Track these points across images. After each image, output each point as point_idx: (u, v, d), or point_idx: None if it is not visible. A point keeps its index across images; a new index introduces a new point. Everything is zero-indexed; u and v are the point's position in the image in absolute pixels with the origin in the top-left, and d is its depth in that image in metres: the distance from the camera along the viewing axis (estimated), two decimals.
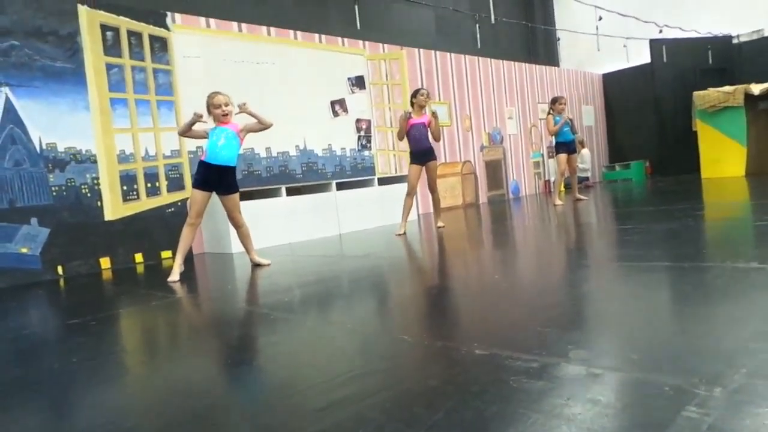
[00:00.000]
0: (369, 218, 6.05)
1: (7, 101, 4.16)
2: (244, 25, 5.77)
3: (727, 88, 7.84)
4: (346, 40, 6.75)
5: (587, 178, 9.86)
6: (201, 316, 2.60)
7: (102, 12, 4.67)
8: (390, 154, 7.22)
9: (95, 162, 4.61)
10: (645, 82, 10.11)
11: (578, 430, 0.99)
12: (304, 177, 6.12)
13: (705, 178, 8.05)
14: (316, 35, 6.46)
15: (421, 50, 7.77)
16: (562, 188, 7.55)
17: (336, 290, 2.75)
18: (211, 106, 3.55)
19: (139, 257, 4.82)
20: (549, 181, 9.86)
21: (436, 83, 7.91)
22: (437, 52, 8.02)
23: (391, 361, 1.53)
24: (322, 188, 5.84)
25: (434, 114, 4.93)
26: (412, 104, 4.98)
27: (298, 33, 6.26)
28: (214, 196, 3.67)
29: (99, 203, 4.62)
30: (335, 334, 1.93)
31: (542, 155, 9.86)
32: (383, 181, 6.43)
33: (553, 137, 6.60)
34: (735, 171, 7.81)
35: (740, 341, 1.35)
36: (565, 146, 6.45)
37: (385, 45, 7.27)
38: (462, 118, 8.32)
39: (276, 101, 5.86)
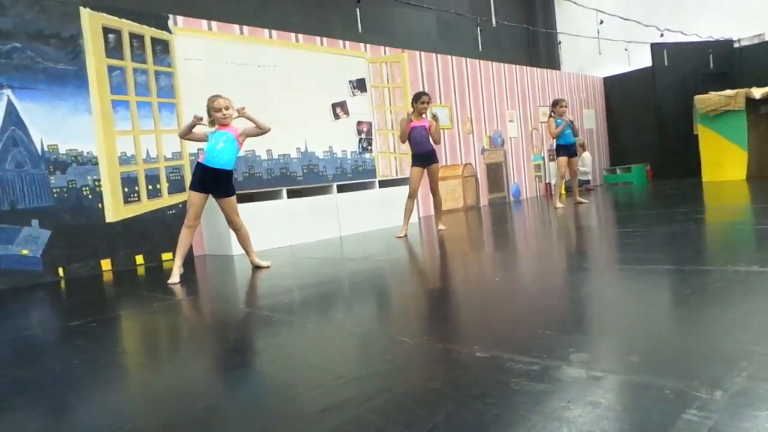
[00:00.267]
0: (370, 221, 6.05)
1: (9, 103, 4.17)
2: (245, 28, 5.79)
3: (728, 92, 7.85)
4: (347, 42, 6.76)
5: (588, 182, 9.86)
6: (201, 318, 2.60)
7: (104, 14, 4.69)
8: (391, 156, 7.23)
9: (96, 164, 4.62)
10: (646, 86, 10.11)
11: None
12: (304, 179, 6.13)
13: (706, 181, 8.05)
14: (318, 38, 6.47)
15: (423, 53, 7.78)
16: (563, 191, 7.55)
17: (336, 292, 2.75)
18: (211, 110, 3.56)
19: (139, 259, 4.82)
20: (550, 184, 9.86)
21: (438, 86, 7.92)
22: (439, 55, 8.03)
23: (391, 363, 1.53)
24: (322, 190, 5.84)
25: (434, 117, 4.94)
26: (413, 108, 4.99)
27: (300, 35, 6.27)
28: (212, 198, 3.68)
29: (100, 205, 4.62)
30: (336, 336, 1.93)
31: (543, 158, 9.86)
32: (384, 184, 6.43)
33: (554, 140, 6.60)
34: (736, 175, 7.81)
35: (741, 344, 1.35)
36: (566, 149, 6.45)
37: (387, 48, 7.28)
38: (463, 120, 8.33)
39: (277, 104, 5.87)
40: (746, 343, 1.35)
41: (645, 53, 9.82)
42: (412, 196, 5.05)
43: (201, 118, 3.52)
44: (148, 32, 4.96)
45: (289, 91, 6.02)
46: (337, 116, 6.55)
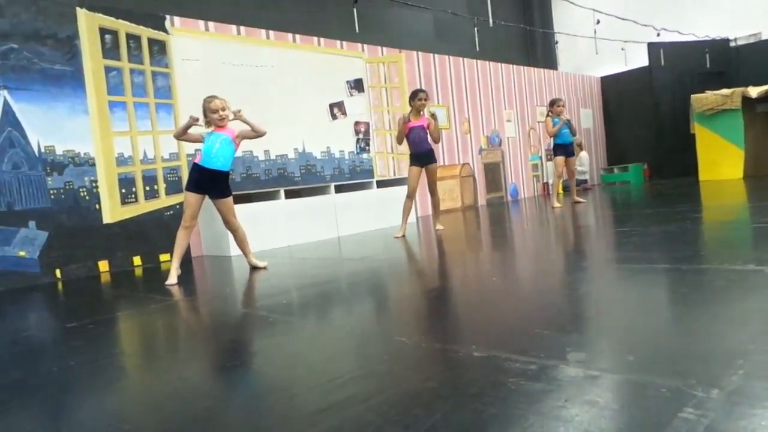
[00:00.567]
0: (368, 221, 6.05)
1: (6, 104, 4.16)
2: (242, 28, 5.78)
3: (725, 91, 7.87)
4: (344, 43, 6.76)
5: (586, 181, 9.88)
6: (199, 319, 2.60)
7: (101, 15, 4.68)
8: (389, 156, 7.23)
9: (93, 165, 4.61)
10: (643, 85, 10.14)
11: (576, 431, 1.00)
12: (302, 180, 6.12)
13: (703, 180, 8.07)
14: (315, 38, 6.47)
15: (420, 53, 7.78)
16: (561, 191, 7.56)
17: (334, 293, 2.75)
18: (207, 111, 3.55)
19: (137, 260, 4.82)
20: (547, 183, 9.88)
21: (435, 86, 7.93)
22: (436, 56, 8.03)
23: (389, 363, 1.53)
24: (320, 191, 5.84)
25: (433, 115, 4.93)
26: (411, 106, 4.99)
27: (297, 36, 6.27)
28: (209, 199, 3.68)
29: (97, 206, 4.61)
30: (334, 336, 1.93)
31: (541, 158, 9.87)
32: (382, 184, 6.43)
33: (552, 139, 6.61)
34: (733, 173, 7.83)
35: (738, 343, 1.35)
36: (563, 149, 6.46)
37: (384, 48, 7.28)
38: (461, 121, 8.33)
39: (274, 104, 5.87)
40: (743, 341, 1.36)
41: (642, 53, 9.85)
42: (410, 196, 5.05)
43: (197, 119, 3.51)
44: (145, 33, 4.96)
45: (287, 91, 6.01)
46: (334, 116, 6.55)
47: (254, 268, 3.78)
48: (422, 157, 4.97)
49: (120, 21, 4.79)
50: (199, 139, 3.61)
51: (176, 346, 2.13)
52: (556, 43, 11.58)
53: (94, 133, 4.63)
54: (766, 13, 9.38)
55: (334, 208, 5.79)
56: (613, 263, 2.74)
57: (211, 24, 5.53)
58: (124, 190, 4.78)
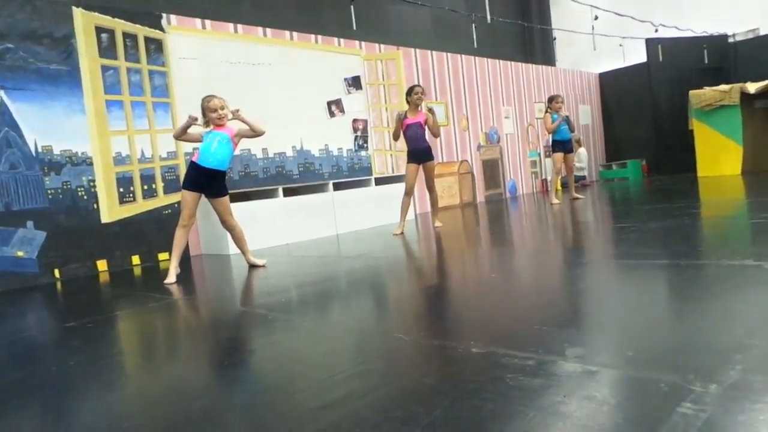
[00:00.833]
0: (366, 218, 6.05)
1: (2, 104, 4.15)
2: (239, 26, 5.77)
3: (723, 87, 7.87)
4: (342, 40, 6.75)
5: (584, 177, 9.88)
6: (198, 317, 2.60)
7: (97, 14, 4.67)
8: (387, 154, 7.22)
9: (91, 164, 4.60)
10: (641, 82, 10.13)
11: (574, 426, 1.00)
12: (300, 178, 6.12)
13: (701, 176, 8.08)
14: (312, 36, 6.45)
15: (418, 50, 7.77)
16: (559, 187, 7.57)
17: (333, 290, 2.75)
18: (206, 110, 3.54)
19: (136, 259, 4.81)
20: (546, 180, 9.88)
21: (433, 83, 7.92)
22: (434, 52, 8.02)
23: (388, 359, 1.53)
24: (319, 189, 5.84)
25: (431, 110, 4.91)
26: (408, 102, 4.98)
27: (294, 33, 6.26)
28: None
29: (95, 206, 4.61)
30: (332, 333, 1.93)
31: (539, 154, 9.87)
32: (380, 181, 6.43)
33: (550, 135, 6.61)
34: (731, 169, 7.84)
35: (735, 338, 1.35)
36: (562, 145, 6.46)
37: (382, 45, 7.27)
38: (459, 117, 8.33)
39: (272, 102, 5.86)
40: (741, 336, 1.36)
41: (640, 49, 9.84)
42: (408, 193, 5.05)
43: (196, 119, 3.51)
44: (142, 31, 4.94)
45: (284, 89, 6.00)
46: (332, 114, 6.54)
47: (253, 267, 3.78)
48: (419, 154, 4.97)
49: (116, 20, 4.78)
50: (198, 139, 3.60)
51: (175, 345, 2.13)
52: (554, 39, 11.57)
53: (91, 133, 4.61)
54: (764, 9, 9.38)
55: (332, 206, 5.79)
56: (611, 259, 2.74)
57: (207, 22, 5.52)
58: (122, 190, 4.77)
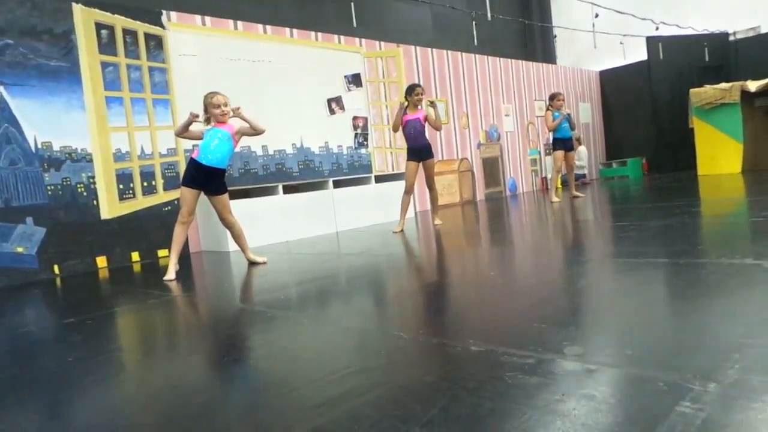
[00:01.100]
0: (366, 216, 6.05)
1: (2, 100, 4.14)
2: (239, 23, 5.76)
3: (724, 85, 7.86)
4: (342, 37, 6.74)
5: (584, 176, 9.87)
6: (197, 314, 2.60)
7: (96, 10, 4.65)
8: (387, 151, 7.22)
9: (91, 161, 4.60)
10: (642, 80, 10.12)
11: (573, 425, 1.00)
12: (300, 175, 6.11)
13: (701, 175, 8.07)
14: (312, 33, 6.44)
15: (418, 48, 7.76)
16: (559, 185, 7.56)
17: (332, 288, 2.75)
18: (209, 106, 3.53)
19: (135, 256, 4.81)
20: (546, 178, 9.87)
21: (433, 81, 7.91)
22: (434, 50, 8.01)
23: (386, 357, 1.53)
24: (318, 186, 5.83)
25: (432, 104, 4.88)
26: (407, 101, 4.96)
27: (294, 31, 6.25)
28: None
29: (95, 202, 4.61)
30: (331, 331, 1.93)
31: (539, 152, 9.87)
32: (380, 179, 6.43)
33: (551, 134, 6.60)
34: (731, 168, 7.83)
35: (735, 337, 1.35)
36: (563, 143, 6.45)
37: (382, 42, 7.26)
38: (459, 115, 8.32)
39: (272, 99, 5.85)
40: (740, 335, 1.36)
41: (640, 47, 9.82)
42: (408, 191, 5.05)
43: (197, 116, 3.50)
44: (142, 28, 4.93)
45: (284, 86, 6.00)
46: (332, 111, 6.53)
47: (252, 264, 3.78)
48: (419, 152, 4.96)
49: (116, 16, 4.76)
50: (200, 137, 3.60)
51: (174, 342, 2.13)
52: (555, 37, 11.55)
53: (91, 129, 4.61)
54: (765, 7, 9.36)
55: (332, 204, 5.79)
56: (610, 257, 2.74)
57: (207, 19, 5.51)
58: (121, 186, 4.77)
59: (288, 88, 6.02)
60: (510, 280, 2.52)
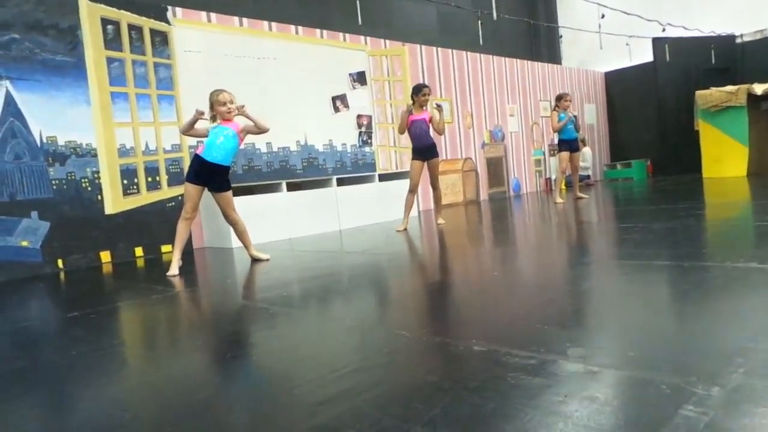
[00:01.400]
0: (369, 214, 6.04)
1: (8, 95, 4.15)
2: (245, 20, 5.76)
3: (730, 88, 7.82)
4: (347, 35, 6.73)
5: (588, 177, 9.85)
6: (200, 310, 2.60)
7: (102, 6, 4.66)
8: (391, 150, 7.21)
9: (95, 156, 4.61)
10: (647, 81, 10.08)
11: (575, 427, 0.99)
12: (304, 172, 6.12)
13: (706, 177, 8.04)
14: (318, 30, 6.44)
15: (423, 46, 7.75)
16: (563, 186, 7.55)
17: (335, 285, 2.75)
18: (215, 103, 3.54)
19: (139, 251, 4.82)
20: (550, 178, 9.85)
21: (438, 80, 7.90)
22: (439, 49, 8.00)
23: (389, 356, 1.53)
24: (322, 184, 5.83)
25: (438, 107, 4.88)
26: (413, 101, 4.96)
27: (299, 28, 6.24)
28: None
29: (99, 197, 4.62)
30: (334, 328, 1.93)
31: (544, 153, 9.84)
32: (384, 178, 6.42)
33: (556, 134, 6.59)
34: (736, 171, 7.80)
35: (739, 341, 1.35)
36: (568, 144, 6.43)
37: (387, 41, 7.25)
38: (463, 115, 8.31)
39: (277, 96, 5.85)
40: (744, 339, 1.35)
41: (646, 48, 9.78)
42: (412, 190, 5.05)
43: (203, 113, 3.51)
44: (147, 24, 4.94)
45: (289, 83, 6.00)
46: (337, 109, 6.53)
47: (256, 261, 3.78)
48: (424, 151, 4.96)
49: (122, 11, 4.77)
50: (205, 134, 3.61)
51: (177, 337, 2.13)
52: (560, 37, 11.52)
53: (96, 124, 4.62)
54: None
55: (335, 202, 5.79)
56: (614, 259, 2.73)
57: (213, 15, 5.51)
58: (126, 181, 4.78)
59: (292, 86, 6.02)
60: (513, 280, 2.52)
